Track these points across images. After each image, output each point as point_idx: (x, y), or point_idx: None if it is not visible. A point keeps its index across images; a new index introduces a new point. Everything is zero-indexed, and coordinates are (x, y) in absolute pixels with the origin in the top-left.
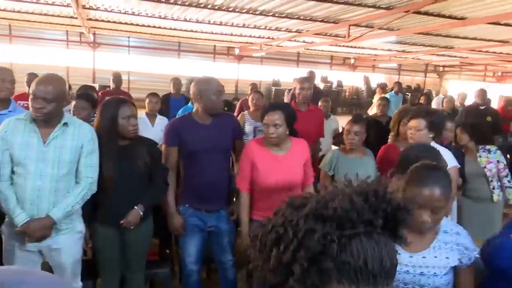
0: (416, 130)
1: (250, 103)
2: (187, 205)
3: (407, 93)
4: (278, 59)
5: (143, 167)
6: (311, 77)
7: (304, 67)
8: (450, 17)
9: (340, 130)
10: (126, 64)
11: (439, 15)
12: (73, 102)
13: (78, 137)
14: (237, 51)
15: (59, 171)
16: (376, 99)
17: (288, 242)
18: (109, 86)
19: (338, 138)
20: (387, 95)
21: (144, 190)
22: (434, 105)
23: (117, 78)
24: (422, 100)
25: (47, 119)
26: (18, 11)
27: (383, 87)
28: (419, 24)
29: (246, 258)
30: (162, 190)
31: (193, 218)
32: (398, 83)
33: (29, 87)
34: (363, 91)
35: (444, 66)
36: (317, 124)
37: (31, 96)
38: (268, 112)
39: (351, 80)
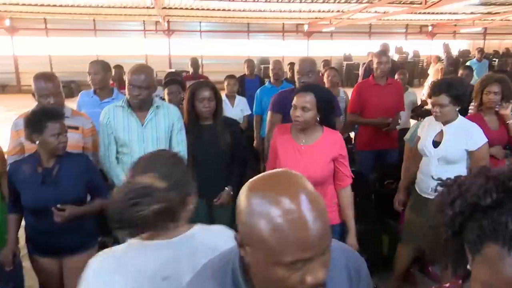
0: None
1: (325, 80)
2: None
3: (494, 59)
4: (349, 32)
5: (225, 146)
6: (387, 49)
7: (377, 39)
8: None
9: (419, 103)
10: (199, 48)
11: None
12: (159, 88)
13: (169, 117)
14: (306, 28)
15: (157, 148)
16: (432, 69)
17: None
18: (184, 71)
19: (416, 111)
20: (468, 63)
21: (226, 167)
22: None
23: (195, 63)
24: None
25: (142, 104)
26: (101, 6)
27: (438, 56)
28: None
29: None
30: (244, 169)
31: None
32: (480, 49)
33: (116, 78)
34: (442, 60)
35: None
36: (396, 98)
37: (128, 85)
38: (298, 92)
39: (429, 49)
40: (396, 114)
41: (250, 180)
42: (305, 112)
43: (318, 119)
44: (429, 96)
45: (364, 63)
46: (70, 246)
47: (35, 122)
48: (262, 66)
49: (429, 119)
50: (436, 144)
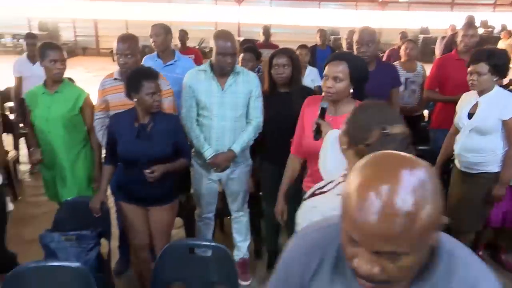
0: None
1: (402, 52)
2: None
3: None
4: (428, 3)
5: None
6: (473, 22)
7: (460, 11)
8: None
9: (506, 82)
10: (268, 17)
11: None
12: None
13: (248, 84)
14: None
15: (235, 113)
16: (502, 44)
17: None
18: (252, 40)
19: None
20: None
21: None
22: None
23: (267, 31)
24: None
25: (227, 72)
26: None
27: (510, 31)
28: None
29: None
30: None
31: None
32: None
33: (180, 42)
34: None
35: None
36: None
37: (218, 54)
38: (330, 61)
39: None
40: None
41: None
42: (337, 82)
43: (351, 91)
44: (468, 64)
45: (443, 37)
46: (155, 197)
47: (133, 81)
48: (332, 37)
49: (467, 94)
50: (470, 116)
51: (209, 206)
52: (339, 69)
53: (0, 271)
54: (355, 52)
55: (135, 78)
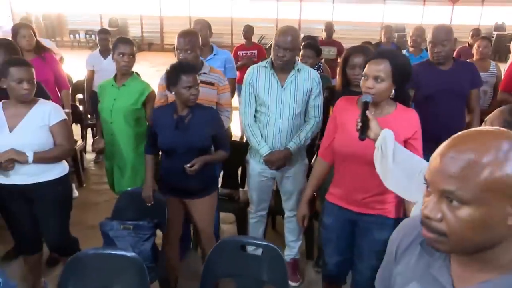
0: None
1: (475, 50)
2: None
3: None
4: None
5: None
6: None
7: None
8: None
9: None
10: (330, 13)
11: None
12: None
13: (308, 81)
14: None
15: (294, 111)
16: None
17: None
18: (314, 36)
19: None
20: None
21: None
22: None
23: (329, 28)
24: None
25: (284, 66)
26: None
27: None
28: None
29: None
30: None
31: None
32: None
33: (244, 38)
34: None
35: None
36: None
37: (274, 46)
38: (372, 59)
39: None
40: None
41: None
42: (378, 82)
43: (393, 91)
44: None
45: None
46: (194, 189)
47: (172, 75)
48: (397, 34)
49: None
50: None
51: (262, 203)
52: (381, 67)
53: (63, 254)
54: (428, 52)
55: (174, 72)
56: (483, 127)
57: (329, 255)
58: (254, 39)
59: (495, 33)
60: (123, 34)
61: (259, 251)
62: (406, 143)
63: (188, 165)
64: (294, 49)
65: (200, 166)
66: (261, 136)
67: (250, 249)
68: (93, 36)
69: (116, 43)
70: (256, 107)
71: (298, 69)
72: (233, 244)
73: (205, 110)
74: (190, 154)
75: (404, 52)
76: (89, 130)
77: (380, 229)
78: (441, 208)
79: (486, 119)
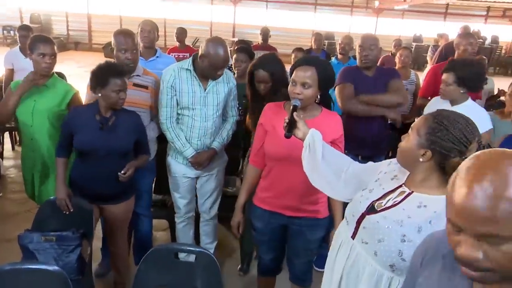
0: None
1: (397, 59)
2: None
3: None
4: (423, 12)
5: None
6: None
7: (453, 21)
8: None
9: (496, 92)
10: (264, 19)
11: None
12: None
13: (228, 83)
14: (376, 4)
15: (217, 112)
16: None
17: None
18: (247, 41)
19: (491, 101)
20: None
21: None
22: None
23: (265, 32)
24: None
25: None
26: None
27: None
28: None
29: None
30: None
31: None
32: None
33: (177, 40)
34: None
35: None
36: None
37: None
38: (299, 66)
39: (511, 35)
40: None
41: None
42: (305, 88)
43: (318, 96)
44: (442, 72)
45: (434, 45)
46: (110, 195)
47: (100, 76)
48: (327, 41)
49: (436, 98)
50: None
51: (189, 204)
52: (308, 74)
53: None
54: (357, 57)
55: (103, 73)
56: (491, 150)
57: (263, 253)
58: (188, 41)
59: (414, 44)
60: (46, 32)
61: (192, 258)
62: (332, 144)
63: (123, 172)
64: (226, 65)
65: (133, 172)
66: (185, 138)
67: (182, 255)
68: (11, 32)
69: (34, 42)
70: (178, 110)
71: None
72: (165, 252)
73: (129, 114)
74: (110, 158)
75: (333, 59)
76: (6, 134)
77: (312, 230)
78: (480, 246)
79: (412, 126)
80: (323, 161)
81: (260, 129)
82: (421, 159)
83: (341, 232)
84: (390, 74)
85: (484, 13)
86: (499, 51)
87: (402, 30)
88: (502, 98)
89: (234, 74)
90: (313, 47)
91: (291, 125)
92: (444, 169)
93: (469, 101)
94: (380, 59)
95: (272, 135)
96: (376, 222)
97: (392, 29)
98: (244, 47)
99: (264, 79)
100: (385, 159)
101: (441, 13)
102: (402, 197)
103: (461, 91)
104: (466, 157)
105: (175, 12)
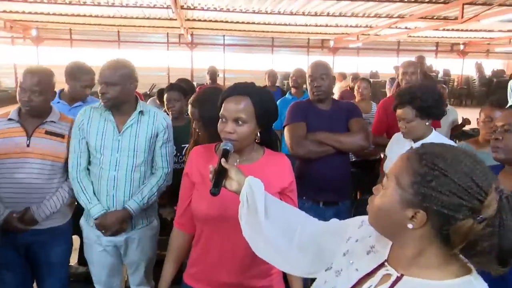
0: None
1: (356, 92)
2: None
3: None
4: (376, 49)
5: None
6: (417, 62)
7: (406, 56)
8: None
9: (460, 121)
10: (222, 62)
11: None
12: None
13: (154, 125)
14: (331, 43)
15: (134, 161)
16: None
17: None
18: (186, 79)
19: (457, 130)
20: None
21: None
22: None
23: (213, 72)
24: None
25: (114, 104)
26: (125, 17)
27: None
28: None
29: None
30: None
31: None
32: None
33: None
34: (474, 80)
35: None
36: None
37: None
38: (228, 96)
39: (460, 68)
40: None
41: None
42: (239, 125)
43: (258, 134)
44: (394, 108)
45: (392, 78)
46: None
47: None
48: (286, 81)
49: (398, 135)
50: None
51: (110, 279)
52: (241, 107)
53: None
54: (308, 88)
55: None
56: None
57: None
58: (145, 88)
59: (371, 80)
60: None
61: None
62: (281, 195)
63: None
64: (121, 83)
65: None
66: (94, 192)
67: None
68: None
69: None
70: (87, 157)
71: (140, 111)
72: None
73: None
74: None
75: (287, 94)
76: None
77: None
78: None
79: (388, 172)
80: (267, 220)
81: (186, 181)
82: (409, 225)
83: None
84: (349, 109)
85: (434, 48)
86: (451, 84)
87: (358, 67)
88: (466, 128)
89: (169, 115)
90: (267, 85)
91: (219, 177)
92: (447, 238)
93: (434, 133)
94: (339, 95)
95: (200, 189)
96: None
97: (349, 67)
98: (176, 84)
99: (194, 116)
100: (352, 204)
101: (394, 50)
102: (389, 285)
103: (426, 123)
104: (482, 218)
105: (131, 59)
